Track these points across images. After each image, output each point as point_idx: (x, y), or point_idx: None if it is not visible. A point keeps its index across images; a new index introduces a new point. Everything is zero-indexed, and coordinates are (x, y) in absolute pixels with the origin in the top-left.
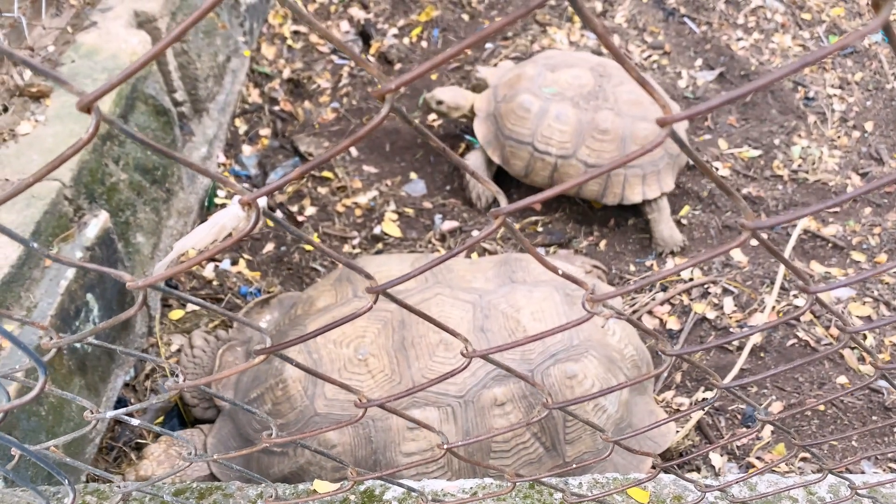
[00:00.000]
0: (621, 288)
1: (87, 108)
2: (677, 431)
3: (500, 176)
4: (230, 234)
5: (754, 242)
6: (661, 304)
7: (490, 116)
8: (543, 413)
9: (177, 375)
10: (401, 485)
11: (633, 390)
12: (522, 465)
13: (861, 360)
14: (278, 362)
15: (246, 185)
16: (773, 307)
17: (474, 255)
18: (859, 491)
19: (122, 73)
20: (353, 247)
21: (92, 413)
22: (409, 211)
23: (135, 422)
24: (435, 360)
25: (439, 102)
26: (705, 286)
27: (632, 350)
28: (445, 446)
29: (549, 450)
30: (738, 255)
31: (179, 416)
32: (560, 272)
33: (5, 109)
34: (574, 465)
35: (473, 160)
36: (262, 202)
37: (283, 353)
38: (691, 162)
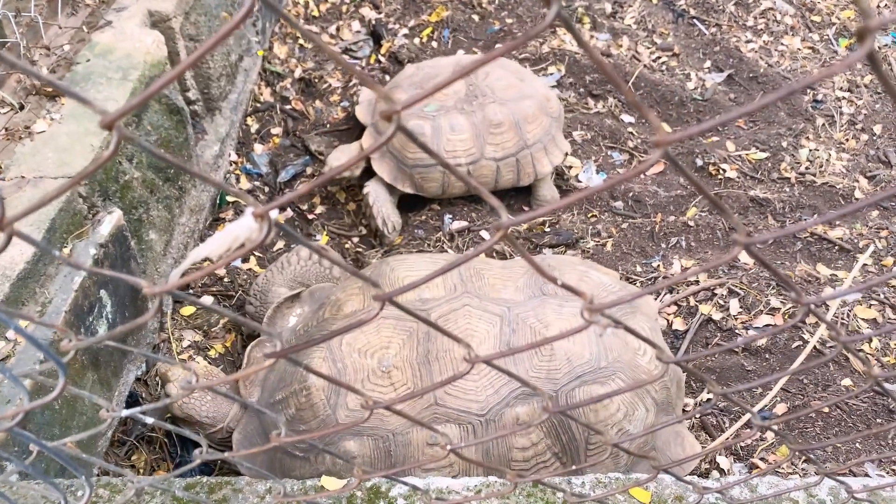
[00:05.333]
0: (620, 297)
1: (109, 126)
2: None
3: (412, 195)
4: (243, 245)
5: (760, 245)
6: (668, 305)
7: (385, 153)
8: (544, 416)
9: (189, 379)
10: (405, 483)
11: (660, 410)
12: None
13: (865, 362)
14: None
15: (257, 182)
16: (780, 310)
17: (482, 256)
18: (858, 494)
19: (143, 94)
20: (354, 244)
21: (108, 411)
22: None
23: (149, 420)
24: None
25: None
26: (711, 288)
27: (662, 367)
28: (449, 447)
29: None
30: (744, 258)
31: None
32: (559, 283)
33: (21, 108)
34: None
35: (374, 189)
36: (275, 214)
37: (294, 358)
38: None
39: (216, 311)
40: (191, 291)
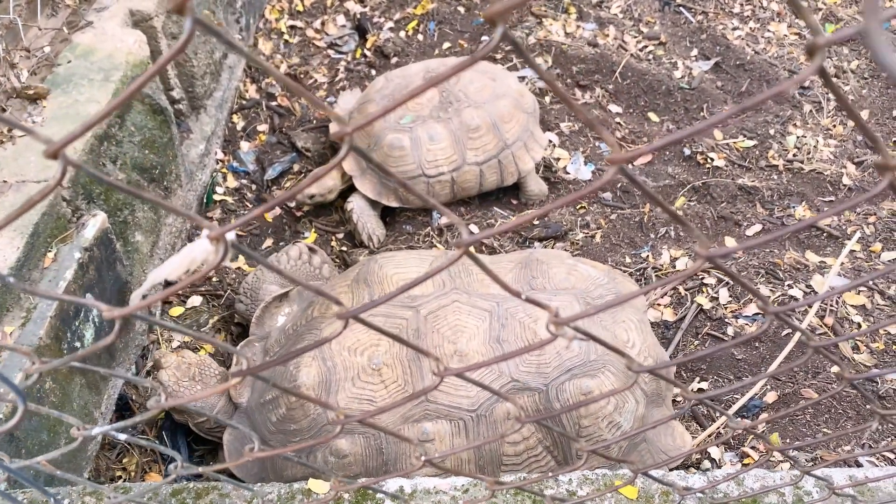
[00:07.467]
0: (586, 311)
1: (53, 155)
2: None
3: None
4: (202, 266)
5: (750, 232)
6: (662, 296)
7: (366, 170)
8: (517, 427)
9: (158, 395)
10: (385, 493)
11: (651, 403)
12: None
13: (855, 348)
14: (293, 366)
15: (244, 180)
16: (769, 298)
17: (471, 249)
18: (844, 490)
19: (92, 117)
20: (338, 241)
21: (79, 430)
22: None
23: (121, 436)
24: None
25: (311, 196)
26: (700, 277)
27: (652, 362)
28: (423, 458)
29: (561, 463)
30: (733, 245)
31: None
32: (524, 297)
33: (3, 111)
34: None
35: (358, 204)
36: (231, 236)
37: (262, 376)
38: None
39: (187, 333)
40: (180, 292)
